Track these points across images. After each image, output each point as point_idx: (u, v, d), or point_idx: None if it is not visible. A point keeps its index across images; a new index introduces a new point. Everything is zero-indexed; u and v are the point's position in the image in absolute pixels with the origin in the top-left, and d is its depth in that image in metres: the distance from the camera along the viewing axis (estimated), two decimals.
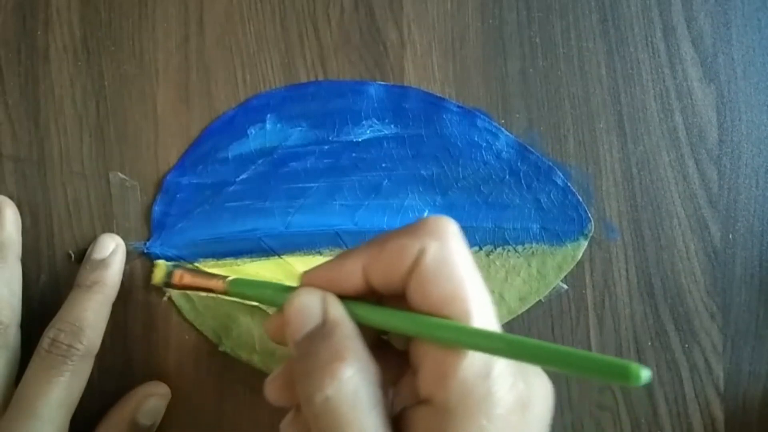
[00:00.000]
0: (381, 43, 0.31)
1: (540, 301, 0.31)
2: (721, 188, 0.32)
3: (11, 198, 0.29)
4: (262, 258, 0.30)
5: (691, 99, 0.31)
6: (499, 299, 0.31)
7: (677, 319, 0.31)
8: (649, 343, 0.31)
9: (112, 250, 0.29)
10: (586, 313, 0.31)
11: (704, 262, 0.31)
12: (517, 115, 0.31)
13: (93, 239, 0.29)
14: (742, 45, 0.32)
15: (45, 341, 0.26)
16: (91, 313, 0.27)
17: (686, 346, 0.31)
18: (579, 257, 0.31)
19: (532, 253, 0.31)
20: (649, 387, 0.31)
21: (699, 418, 0.31)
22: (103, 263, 0.28)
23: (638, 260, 0.31)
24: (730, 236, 0.32)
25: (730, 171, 0.32)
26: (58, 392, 0.25)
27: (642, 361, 0.31)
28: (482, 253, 0.30)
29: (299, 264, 0.30)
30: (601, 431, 0.31)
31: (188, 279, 0.28)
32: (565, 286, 0.31)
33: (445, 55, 0.31)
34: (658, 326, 0.31)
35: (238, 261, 0.30)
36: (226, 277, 0.27)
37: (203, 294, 0.29)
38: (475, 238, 0.31)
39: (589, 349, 0.31)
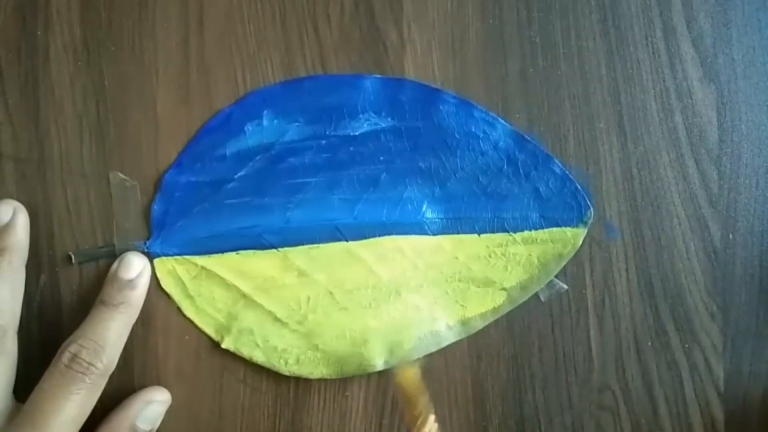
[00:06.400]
0: (381, 43, 0.31)
1: (540, 301, 0.31)
2: (721, 188, 0.32)
3: (11, 198, 0.29)
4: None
5: (691, 99, 0.31)
6: (500, 289, 0.31)
7: (677, 319, 0.31)
8: (649, 343, 0.31)
9: (139, 272, 0.29)
10: (586, 313, 0.31)
11: (704, 262, 0.31)
12: (517, 115, 0.31)
13: (93, 239, 0.29)
14: (742, 45, 0.32)
15: (65, 356, 0.26)
16: (113, 333, 0.27)
17: (686, 346, 0.31)
18: (579, 244, 0.31)
19: (532, 241, 0.31)
20: (649, 387, 0.31)
21: (699, 419, 0.31)
22: (130, 284, 0.28)
23: (638, 260, 0.31)
24: (730, 236, 0.32)
25: (730, 171, 0.32)
26: (73, 408, 0.25)
27: (642, 361, 0.31)
28: (482, 243, 0.31)
29: (299, 258, 0.30)
30: (601, 431, 0.31)
31: None
32: (565, 287, 0.31)
33: (445, 55, 0.31)
34: (658, 326, 0.31)
35: (238, 255, 0.30)
36: None
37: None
38: (474, 228, 0.31)
39: (590, 349, 0.31)
